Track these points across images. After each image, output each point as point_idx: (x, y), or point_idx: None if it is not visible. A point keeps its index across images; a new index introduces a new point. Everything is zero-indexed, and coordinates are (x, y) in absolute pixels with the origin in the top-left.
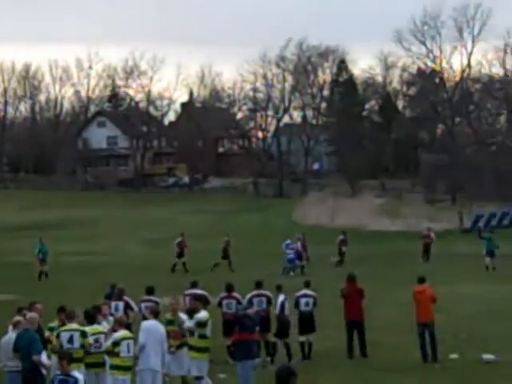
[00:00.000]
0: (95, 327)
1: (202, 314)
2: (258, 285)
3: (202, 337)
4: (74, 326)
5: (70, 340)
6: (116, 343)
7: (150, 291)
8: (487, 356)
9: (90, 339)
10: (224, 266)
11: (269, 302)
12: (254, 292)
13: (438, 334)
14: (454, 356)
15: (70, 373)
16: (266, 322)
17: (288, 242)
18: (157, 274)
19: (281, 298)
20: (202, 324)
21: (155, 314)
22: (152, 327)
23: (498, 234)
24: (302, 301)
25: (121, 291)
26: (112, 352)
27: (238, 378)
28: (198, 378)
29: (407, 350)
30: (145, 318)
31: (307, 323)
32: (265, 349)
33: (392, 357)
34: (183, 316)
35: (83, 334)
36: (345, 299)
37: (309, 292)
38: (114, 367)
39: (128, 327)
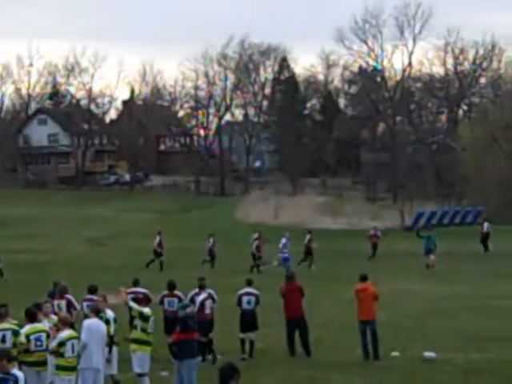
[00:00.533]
0: (36, 326)
1: (147, 309)
2: (201, 283)
3: (144, 331)
4: (6, 325)
5: (3, 339)
6: (62, 343)
7: (92, 290)
8: (428, 353)
9: (23, 338)
10: (163, 264)
11: (213, 301)
12: (196, 290)
13: (379, 331)
14: (395, 353)
15: (10, 371)
16: (210, 320)
17: (284, 241)
18: (99, 272)
19: (201, 296)
20: (145, 317)
21: (96, 312)
22: (94, 326)
23: (432, 231)
24: (244, 299)
25: (63, 289)
26: (57, 352)
27: (178, 378)
28: (140, 375)
29: (349, 347)
30: (87, 317)
31: (249, 321)
32: (207, 347)
33: (334, 354)
34: (134, 305)
35: (15, 333)
36: (284, 298)
37: (251, 290)
38: (59, 368)
39: (72, 326)
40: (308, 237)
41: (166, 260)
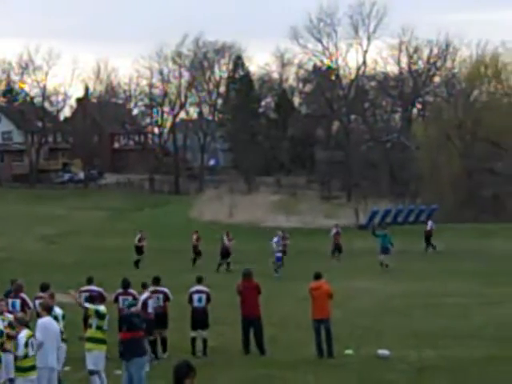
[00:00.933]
0: None
1: (102, 307)
2: (155, 281)
3: (100, 328)
4: None
5: None
6: (27, 344)
7: (44, 288)
8: (382, 351)
9: None
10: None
11: (166, 298)
12: (151, 288)
13: (333, 329)
14: (349, 352)
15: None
16: (163, 318)
17: (276, 239)
18: (53, 270)
19: (144, 295)
20: (100, 315)
21: (48, 310)
22: (48, 324)
23: (387, 229)
24: (195, 297)
25: (18, 288)
26: (26, 355)
27: (127, 377)
28: (92, 373)
29: (303, 345)
30: (39, 315)
31: (200, 319)
32: (161, 345)
33: (288, 353)
34: (89, 305)
35: None
36: (241, 295)
37: (201, 288)
38: (25, 369)
39: (27, 325)
40: (280, 234)
41: (121, 258)
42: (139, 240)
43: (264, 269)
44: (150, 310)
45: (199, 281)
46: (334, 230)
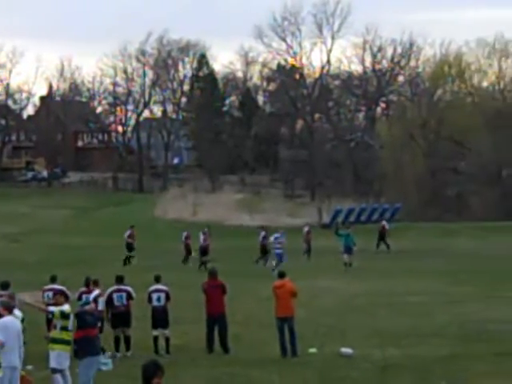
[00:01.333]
0: None
1: (66, 307)
2: (119, 280)
3: (64, 329)
4: None
5: None
6: None
7: (4, 286)
8: (345, 350)
9: None
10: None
11: (129, 296)
12: (115, 287)
13: (297, 328)
14: (312, 350)
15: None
16: (126, 316)
17: (277, 235)
18: (15, 268)
19: (94, 293)
20: (65, 316)
21: (10, 310)
22: (10, 323)
23: (350, 229)
24: (154, 296)
25: None
26: None
27: (78, 376)
28: (55, 371)
29: (267, 344)
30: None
31: (160, 318)
32: (124, 344)
33: (252, 351)
34: (54, 308)
35: None
36: (206, 294)
37: (160, 287)
38: None
39: None
40: (262, 234)
41: (84, 256)
42: (129, 236)
43: (229, 267)
44: (100, 307)
45: (157, 280)
46: (305, 229)
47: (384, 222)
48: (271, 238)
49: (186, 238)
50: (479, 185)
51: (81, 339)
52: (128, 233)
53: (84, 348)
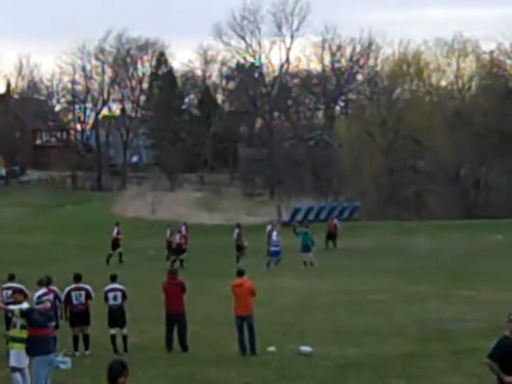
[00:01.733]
0: None
1: (24, 305)
2: (77, 278)
3: (24, 328)
4: None
5: None
6: None
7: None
8: (304, 348)
9: None
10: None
11: (88, 295)
12: (73, 286)
13: (256, 326)
14: (271, 349)
15: None
16: (85, 315)
17: (276, 232)
18: None
19: (39, 291)
20: (24, 314)
21: None
22: None
23: (309, 227)
24: (110, 295)
25: None
26: None
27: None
28: (14, 370)
29: (226, 343)
30: None
31: (116, 317)
32: (83, 342)
33: (211, 350)
34: (13, 307)
35: None
36: (165, 293)
37: (116, 286)
38: None
39: None
40: (236, 231)
41: (43, 254)
42: (118, 233)
43: (189, 266)
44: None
45: (113, 279)
46: (268, 227)
47: (336, 221)
48: (273, 237)
49: (170, 235)
50: (438, 184)
51: (31, 338)
52: (115, 230)
53: (34, 347)
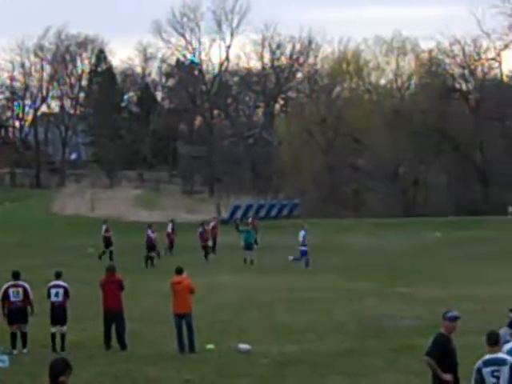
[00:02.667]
0: None
1: None
2: (15, 276)
3: None
4: None
5: None
6: None
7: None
8: (243, 346)
9: None
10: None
11: (26, 292)
12: (11, 283)
13: (195, 324)
14: (210, 346)
15: None
16: (23, 312)
17: (303, 233)
18: None
19: None
20: None
21: None
22: None
23: (250, 225)
24: (52, 291)
25: None
26: None
27: None
28: None
29: (165, 340)
30: None
31: (58, 313)
32: (21, 339)
33: (150, 348)
34: None
35: None
36: (103, 290)
37: (59, 282)
38: None
39: None
40: (170, 225)
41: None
42: (106, 230)
43: (127, 263)
44: None
45: (58, 276)
46: (212, 224)
47: (212, 223)
48: (300, 236)
49: (172, 230)
50: (377, 182)
51: None
52: (104, 228)
53: None
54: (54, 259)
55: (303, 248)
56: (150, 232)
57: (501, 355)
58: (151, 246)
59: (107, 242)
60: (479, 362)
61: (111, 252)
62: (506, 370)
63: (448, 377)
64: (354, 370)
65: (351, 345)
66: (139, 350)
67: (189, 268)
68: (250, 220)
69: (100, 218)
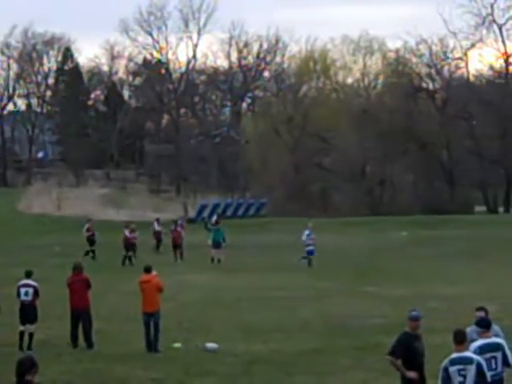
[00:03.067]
0: None
1: None
2: (28, 275)
3: None
4: None
5: None
6: None
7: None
8: (210, 344)
9: None
10: None
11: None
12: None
13: (163, 323)
14: (177, 345)
15: None
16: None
17: (307, 232)
18: None
19: None
20: None
21: None
22: None
23: (219, 224)
24: (22, 290)
25: None
26: None
27: None
28: None
29: (132, 339)
30: None
31: (27, 312)
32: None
33: (117, 346)
34: None
35: None
36: (69, 289)
37: (29, 282)
38: None
39: None
40: (156, 224)
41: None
42: (87, 230)
43: (95, 262)
44: None
45: (28, 275)
46: (179, 222)
47: (155, 224)
48: (303, 236)
49: (87, 230)
50: (344, 181)
51: None
52: (86, 227)
53: None
54: (20, 258)
55: (309, 248)
56: (126, 232)
57: (467, 354)
58: (128, 245)
59: (90, 241)
60: (446, 361)
61: (93, 251)
62: (472, 368)
63: (412, 374)
64: (321, 369)
65: (318, 344)
66: (107, 348)
67: (157, 267)
68: (214, 219)
69: (67, 217)
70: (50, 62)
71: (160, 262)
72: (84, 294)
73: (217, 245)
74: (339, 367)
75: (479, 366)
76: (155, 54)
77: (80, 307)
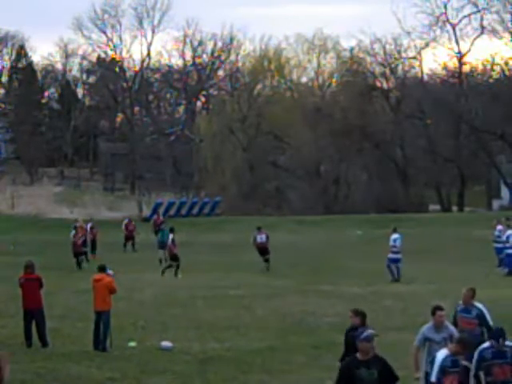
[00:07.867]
0: None
1: None
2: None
3: None
4: None
5: None
6: None
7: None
8: (165, 343)
9: None
10: None
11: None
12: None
13: (117, 321)
14: (132, 344)
15: None
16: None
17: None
18: None
19: None
20: None
21: None
22: None
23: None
24: None
25: None
26: None
27: None
28: None
29: (87, 337)
30: None
31: None
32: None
33: (71, 345)
34: None
35: None
36: (22, 288)
37: None
38: None
39: None
40: (126, 221)
41: None
42: (75, 228)
43: (47, 261)
44: None
45: None
46: (125, 221)
47: (127, 220)
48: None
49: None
50: (298, 179)
51: None
52: (76, 225)
53: None
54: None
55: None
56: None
57: None
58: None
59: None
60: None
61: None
62: None
63: None
64: (276, 367)
65: (273, 342)
66: (61, 347)
67: (112, 265)
68: (160, 218)
69: (20, 216)
70: (4, 60)
71: (115, 261)
72: (37, 293)
73: (162, 245)
74: (294, 365)
75: None
76: (109, 52)
77: (33, 307)
